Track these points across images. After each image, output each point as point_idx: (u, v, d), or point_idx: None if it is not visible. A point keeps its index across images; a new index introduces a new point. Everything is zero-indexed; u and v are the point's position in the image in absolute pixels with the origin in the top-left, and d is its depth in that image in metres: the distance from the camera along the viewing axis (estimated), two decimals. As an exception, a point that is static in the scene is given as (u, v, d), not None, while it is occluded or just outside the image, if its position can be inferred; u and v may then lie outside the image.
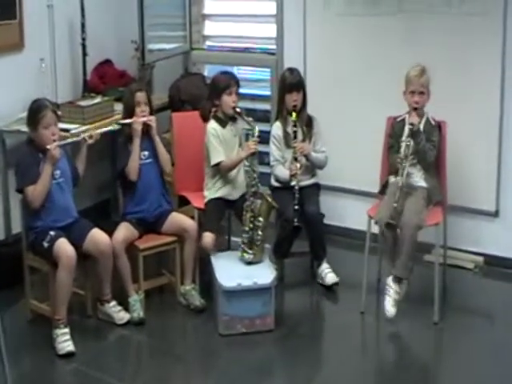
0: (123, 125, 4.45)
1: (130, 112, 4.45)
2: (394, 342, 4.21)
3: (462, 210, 4.76)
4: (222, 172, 4.55)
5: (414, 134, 4.24)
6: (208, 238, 4.38)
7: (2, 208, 4.86)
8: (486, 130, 4.68)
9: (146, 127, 4.44)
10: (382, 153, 4.50)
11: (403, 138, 4.28)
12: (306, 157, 4.61)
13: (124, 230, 4.35)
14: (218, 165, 4.53)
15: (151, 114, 4.50)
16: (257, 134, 4.43)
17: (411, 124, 4.25)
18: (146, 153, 4.47)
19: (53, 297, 4.10)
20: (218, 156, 4.53)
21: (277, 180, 4.69)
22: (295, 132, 4.59)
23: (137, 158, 4.40)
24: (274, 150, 4.68)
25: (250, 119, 4.49)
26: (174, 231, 4.44)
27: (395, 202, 4.12)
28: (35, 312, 4.30)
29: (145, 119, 4.42)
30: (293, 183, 4.53)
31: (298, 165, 4.55)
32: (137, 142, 4.39)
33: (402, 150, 4.24)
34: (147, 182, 4.46)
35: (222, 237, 4.90)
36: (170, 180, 4.73)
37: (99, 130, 4.39)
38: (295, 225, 4.40)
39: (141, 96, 4.45)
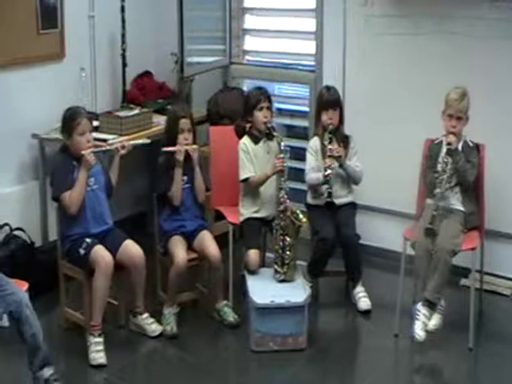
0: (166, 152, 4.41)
1: (172, 138, 4.39)
2: (427, 367, 4.15)
3: (499, 235, 4.71)
4: (251, 188, 4.53)
5: (452, 152, 4.20)
6: (253, 254, 4.37)
7: (40, 215, 4.89)
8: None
9: (188, 154, 4.38)
10: (419, 176, 4.45)
11: (441, 157, 4.25)
12: (341, 165, 4.55)
13: (181, 247, 4.28)
14: (246, 180, 4.53)
15: (194, 141, 4.43)
16: (283, 148, 4.38)
17: (448, 143, 4.21)
18: (185, 178, 4.41)
19: (87, 305, 4.11)
20: (246, 172, 4.52)
21: (310, 186, 4.63)
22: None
23: (179, 185, 4.35)
24: (311, 158, 4.63)
25: (278, 135, 4.46)
26: (199, 252, 4.38)
27: (430, 223, 4.09)
28: (69, 320, 4.31)
29: (187, 148, 4.35)
30: (327, 172, 4.44)
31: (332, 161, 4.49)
32: (179, 171, 4.35)
33: (440, 166, 4.21)
34: (184, 206, 4.42)
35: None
36: (207, 194, 4.71)
37: (132, 142, 4.38)
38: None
39: (185, 123, 4.39)
